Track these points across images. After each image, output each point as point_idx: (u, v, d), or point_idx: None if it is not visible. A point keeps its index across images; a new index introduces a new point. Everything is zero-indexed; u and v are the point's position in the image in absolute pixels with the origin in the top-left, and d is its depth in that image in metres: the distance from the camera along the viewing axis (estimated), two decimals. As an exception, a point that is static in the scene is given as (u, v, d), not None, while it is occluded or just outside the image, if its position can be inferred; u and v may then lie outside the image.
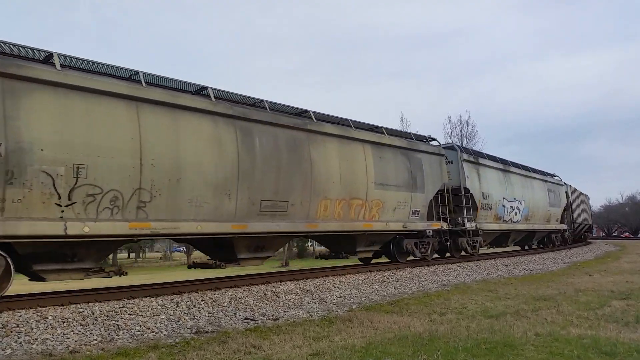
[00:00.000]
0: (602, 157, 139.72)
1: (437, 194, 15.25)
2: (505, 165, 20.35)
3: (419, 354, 5.05)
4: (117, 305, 7.44)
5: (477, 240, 17.21)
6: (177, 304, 7.91)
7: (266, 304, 8.53)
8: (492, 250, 24.33)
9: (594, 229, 58.69)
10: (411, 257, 14.72)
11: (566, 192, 28.06)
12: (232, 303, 8.31)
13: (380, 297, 9.65)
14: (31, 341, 5.81)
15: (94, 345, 5.80)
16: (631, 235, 73.61)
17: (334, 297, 9.50)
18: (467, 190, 16.38)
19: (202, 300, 8.24)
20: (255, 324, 7.06)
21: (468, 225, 16.29)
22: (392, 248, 14.25)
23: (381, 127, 13.80)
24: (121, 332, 6.40)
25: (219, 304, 8.15)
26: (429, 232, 14.70)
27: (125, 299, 7.97)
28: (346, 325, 6.79)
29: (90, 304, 7.48)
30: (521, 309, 7.90)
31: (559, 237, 26.67)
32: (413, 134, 15.24)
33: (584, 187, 38.89)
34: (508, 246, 23.02)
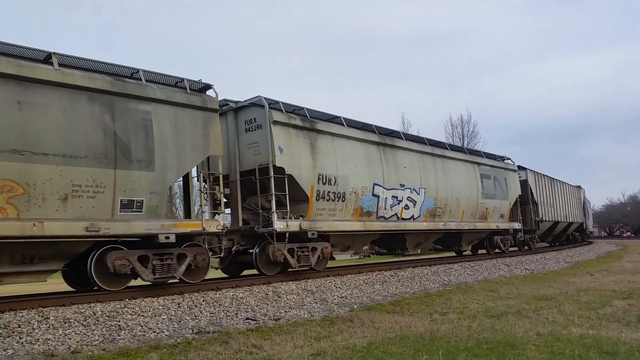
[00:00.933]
0: (604, 157, 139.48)
1: (211, 175, 10.21)
2: (385, 137, 13.95)
3: (420, 353, 5.04)
4: (119, 306, 7.45)
5: (315, 248, 11.35)
6: (178, 304, 7.91)
7: (267, 304, 8.54)
8: (368, 260, 17.27)
9: (594, 229, 55.17)
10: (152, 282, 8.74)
11: (523, 181, 21.41)
12: (234, 303, 8.32)
13: (381, 297, 9.65)
14: (33, 341, 5.82)
15: (95, 345, 5.81)
16: (633, 235, 73.56)
17: (336, 297, 9.51)
18: (279, 169, 10.61)
19: (203, 301, 8.25)
20: (257, 324, 7.07)
21: (279, 225, 10.39)
22: (90, 269, 8.07)
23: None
24: (123, 332, 6.41)
25: (220, 304, 8.16)
26: (166, 237, 8.58)
27: (127, 299, 7.97)
28: (347, 326, 6.79)
29: (92, 304, 7.49)
30: (523, 308, 7.89)
31: (508, 240, 19.77)
32: (145, 71, 9.07)
33: (585, 187, 37.99)
34: (406, 254, 16.42)
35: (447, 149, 16.81)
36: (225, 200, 10.76)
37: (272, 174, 10.54)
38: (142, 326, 6.69)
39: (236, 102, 11.33)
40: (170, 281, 9.15)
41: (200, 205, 9.89)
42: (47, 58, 8.02)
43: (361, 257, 15.16)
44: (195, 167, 10.13)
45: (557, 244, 30.59)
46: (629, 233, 77.81)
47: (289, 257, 10.69)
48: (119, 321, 6.78)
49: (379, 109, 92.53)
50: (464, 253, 19.87)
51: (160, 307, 7.62)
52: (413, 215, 14.49)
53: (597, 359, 4.81)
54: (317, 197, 11.49)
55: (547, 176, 25.44)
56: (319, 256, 11.45)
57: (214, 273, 14.02)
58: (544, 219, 23.41)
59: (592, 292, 9.74)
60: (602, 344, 5.33)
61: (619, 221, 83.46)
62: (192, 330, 6.64)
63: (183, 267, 8.99)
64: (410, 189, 14.32)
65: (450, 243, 18.30)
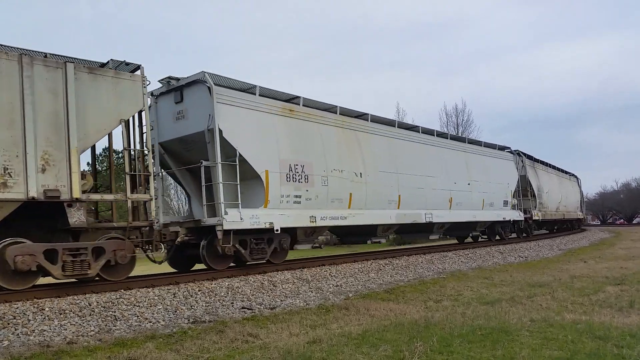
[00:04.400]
0: (598, 145, 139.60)
1: None
2: None
3: (414, 340, 5.08)
4: (114, 296, 7.45)
5: None
6: (174, 294, 7.92)
7: (263, 293, 8.56)
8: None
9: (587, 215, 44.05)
10: None
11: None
12: (229, 293, 8.34)
13: (376, 285, 9.70)
14: (28, 333, 5.82)
15: (91, 336, 5.82)
16: (625, 222, 74.15)
17: (331, 285, 9.54)
18: None
19: (199, 290, 8.26)
20: (253, 313, 7.09)
21: None
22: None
23: None
24: (118, 322, 6.42)
25: (216, 294, 8.18)
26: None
27: (122, 290, 7.97)
28: (343, 313, 6.83)
29: (87, 295, 7.48)
30: (516, 295, 7.96)
31: None
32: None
33: (580, 175, 37.69)
34: None
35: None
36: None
37: None
38: (137, 316, 6.70)
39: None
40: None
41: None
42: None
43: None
44: None
45: None
46: (621, 220, 78.44)
47: None
48: (115, 312, 6.78)
49: (374, 98, 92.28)
50: None
51: (156, 297, 7.63)
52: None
53: (589, 343, 4.86)
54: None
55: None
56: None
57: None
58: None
59: (585, 278, 9.83)
60: (594, 329, 5.39)
61: (612, 209, 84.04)
62: (188, 320, 6.65)
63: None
64: None
65: None
